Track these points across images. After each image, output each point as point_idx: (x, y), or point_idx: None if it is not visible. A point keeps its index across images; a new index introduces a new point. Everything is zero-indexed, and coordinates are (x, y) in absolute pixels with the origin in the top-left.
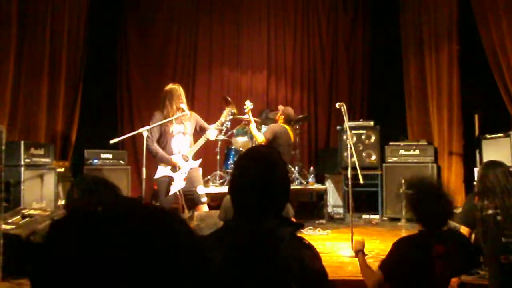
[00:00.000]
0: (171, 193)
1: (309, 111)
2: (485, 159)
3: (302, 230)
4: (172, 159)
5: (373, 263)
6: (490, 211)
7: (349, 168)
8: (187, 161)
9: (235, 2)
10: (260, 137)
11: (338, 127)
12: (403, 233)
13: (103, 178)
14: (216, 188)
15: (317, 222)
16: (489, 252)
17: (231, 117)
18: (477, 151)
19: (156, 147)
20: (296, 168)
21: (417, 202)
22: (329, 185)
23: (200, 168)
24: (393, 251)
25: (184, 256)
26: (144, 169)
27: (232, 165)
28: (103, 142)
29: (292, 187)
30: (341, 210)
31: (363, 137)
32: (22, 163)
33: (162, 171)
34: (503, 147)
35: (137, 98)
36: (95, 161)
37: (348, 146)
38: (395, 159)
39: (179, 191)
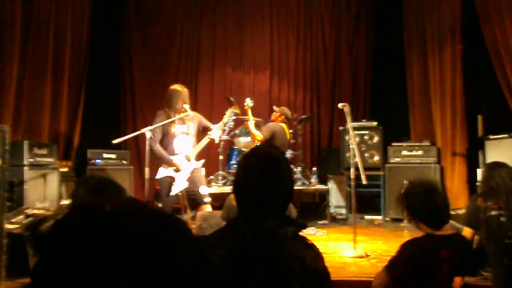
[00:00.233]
0: (173, 193)
1: (311, 111)
2: (488, 160)
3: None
4: (174, 160)
5: (376, 264)
6: (493, 212)
7: (352, 169)
8: (189, 161)
9: (238, 1)
10: (258, 135)
11: (340, 128)
12: (406, 234)
13: (109, 178)
14: (218, 188)
15: (319, 222)
16: (493, 253)
17: (234, 117)
18: (480, 152)
19: (158, 147)
20: (299, 168)
21: (408, 197)
22: (331, 185)
23: (203, 168)
24: (400, 252)
25: (184, 256)
26: (146, 169)
27: (234, 166)
28: (106, 142)
29: (295, 188)
30: (343, 211)
31: (366, 137)
32: (26, 162)
33: (164, 171)
34: (506, 148)
35: (140, 98)
36: (98, 161)
37: (351, 146)
38: (398, 159)
39: (181, 191)
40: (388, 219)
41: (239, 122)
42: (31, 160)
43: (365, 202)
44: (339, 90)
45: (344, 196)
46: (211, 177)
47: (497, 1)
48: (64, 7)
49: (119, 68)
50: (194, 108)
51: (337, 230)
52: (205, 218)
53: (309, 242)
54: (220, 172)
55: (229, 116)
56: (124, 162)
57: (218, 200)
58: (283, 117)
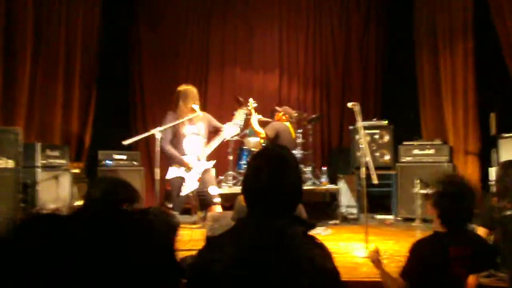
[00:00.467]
0: (184, 193)
1: (321, 110)
2: (502, 159)
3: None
4: (185, 160)
5: (388, 264)
6: (509, 212)
7: (363, 168)
8: (200, 161)
9: (248, 1)
10: (261, 132)
11: (351, 127)
12: (418, 234)
13: (121, 179)
14: (229, 188)
15: (330, 222)
16: (509, 253)
17: (244, 117)
18: (494, 151)
19: (170, 148)
20: (309, 168)
21: (442, 196)
22: (342, 185)
23: (214, 169)
24: (411, 255)
25: (133, 257)
26: (157, 170)
27: (244, 166)
28: (117, 143)
29: (305, 188)
30: (354, 210)
31: (377, 136)
32: (38, 164)
33: (174, 171)
34: None
35: (150, 99)
36: (109, 162)
37: (361, 146)
38: (409, 158)
39: (192, 191)
40: (399, 218)
41: (249, 123)
42: (44, 161)
43: (376, 201)
44: (349, 89)
45: (355, 195)
46: (221, 177)
47: None
48: (74, 8)
49: (129, 69)
50: (203, 108)
51: (348, 230)
52: (215, 219)
53: (319, 241)
54: (230, 172)
55: (240, 116)
56: (135, 163)
57: (228, 200)
58: (286, 116)
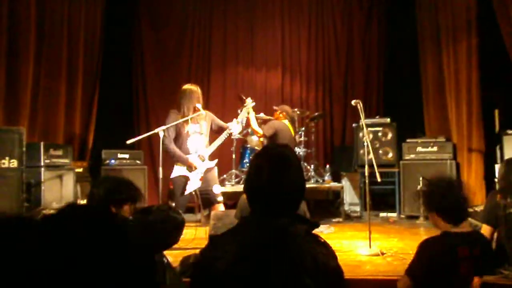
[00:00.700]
0: (187, 192)
1: (324, 108)
2: (506, 156)
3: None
4: (189, 159)
5: (392, 262)
6: None
7: (366, 166)
8: (203, 161)
9: None
10: (258, 130)
11: (354, 125)
12: (422, 231)
13: (124, 178)
14: (232, 187)
15: (333, 220)
16: None
17: (246, 115)
18: (498, 148)
19: (173, 147)
20: (312, 166)
21: (428, 192)
22: (345, 183)
23: (216, 168)
24: (418, 253)
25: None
26: (160, 169)
27: (247, 164)
28: (120, 142)
29: (308, 186)
30: (358, 208)
31: (380, 134)
32: (42, 164)
33: (178, 170)
34: None
35: (153, 98)
36: (112, 161)
37: (365, 143)
38: (412, 156)
39: (195, 190)
40: (403, 216)
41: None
42: (48, 161)
43: (380, 199)
44: (351, 87)
45: (358, 193)
46: (224, 176)
47: None
48: (77, 9)
49: (132, 68)
50: (206, 107)
51: (352, 228)
52: (219, 218)
53: (322, 240)
54: (233, 170)
55: (244, 115)
56: (138, 162)
57: (231, 199)
58: (284, 114)
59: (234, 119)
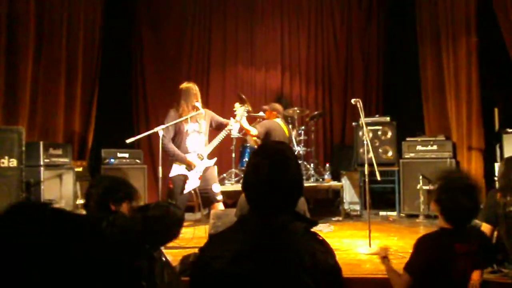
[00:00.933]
0: (186, 191)
1: (324, 107)
2: (506, 154)
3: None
4: (188, 158)
5: (392, 260)
6: None
7: (366, 165)
8: (202, 159)
9: None
10: (253, 131)
11: (353, 123)
12: (421, 230)
13: (121, 177)
14: (231, 186)
15: (333, 219)
16: None
17: (246, 114)
18: (498, 146)
19: (172, 146)
20: (312, 165)
21: (444, 192)
22: (345, 181)
23: (216, 166)
24: (416, 250)
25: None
26: (160, 168)
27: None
28: (120, 141)
29: (308, 184)
30: (357, 207)
31: (379, 133)
32: (42, 163)
33: (177, 169)
34: None
35: (152, 97)
36: (112, 160)
37: (365, 142)
38: (412, 155)
39: (194, 189)
40: (403, 215)
41: (251, 120)
42: (47, 160)
43: (379, 198)
44: (351, 85)
45: (358, 192)
46: (224, 175)
47: None
48: (76, 8)
49: (131, 67)
50: (205, 105)
51: (351, 227)
52: (219, 217)
53: (320, 238)
54: (233, 169)
55: (242, 114)
56: (138, 161)
57: (231, 198)
58: (275, 112)
59: (232, 118)
